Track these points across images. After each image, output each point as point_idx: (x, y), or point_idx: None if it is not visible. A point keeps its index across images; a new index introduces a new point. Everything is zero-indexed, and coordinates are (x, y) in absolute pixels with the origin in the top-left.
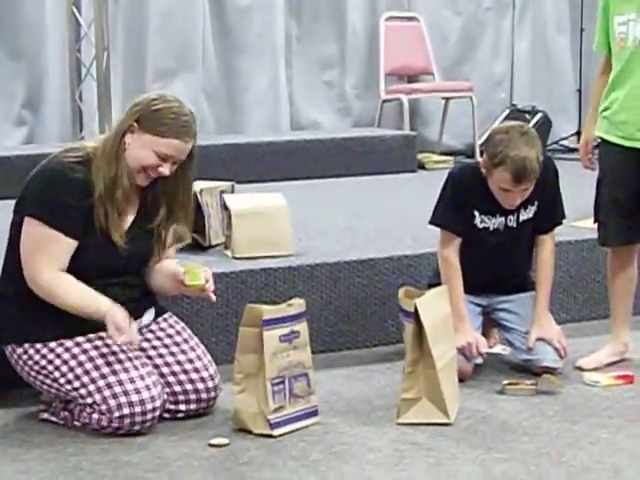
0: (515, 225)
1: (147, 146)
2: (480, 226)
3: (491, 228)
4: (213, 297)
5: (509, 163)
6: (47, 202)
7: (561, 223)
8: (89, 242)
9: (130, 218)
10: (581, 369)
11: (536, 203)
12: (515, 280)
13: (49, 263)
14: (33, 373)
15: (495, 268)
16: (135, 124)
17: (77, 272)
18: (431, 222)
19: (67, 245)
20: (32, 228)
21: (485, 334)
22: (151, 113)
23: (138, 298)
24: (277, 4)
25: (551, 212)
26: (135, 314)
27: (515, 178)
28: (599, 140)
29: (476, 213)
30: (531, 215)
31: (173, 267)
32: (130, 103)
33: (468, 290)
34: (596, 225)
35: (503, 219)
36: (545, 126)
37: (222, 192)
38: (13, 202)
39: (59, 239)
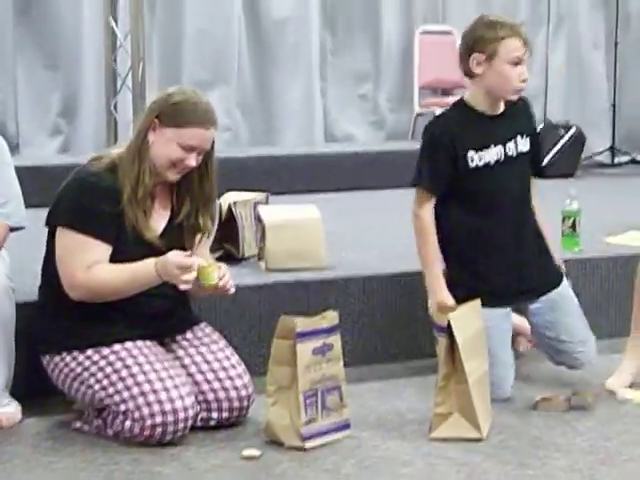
0: (515, 155)
1: (171, 140)
2: (480, 163)
3: (492, 162)
4: (232, 290)
5: (514, 29)
6: (78, 211)
7: (543, 172)
8: (123, 246)
9: (165, 216)
10: (612, 392)
11: (528, 139)
12: (535, 246)
13: (83, 266)
14: (69, 380)
15: (511, 222)
16: (156, 120)
17: None
18: (411, 183)
19: (102, 251)
20: (65, 237)
21: (514, 338)
22: (170, 107)
23: (174, 310)
24: (312, 17)
25: (538, 152)
26: (171, 327)
27: (524, 39)
28: None
29: (471, 152)
30: (527, 148)
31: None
32: (149, 101)
33: (497, 297)
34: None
35: (502, 148)
36: (579, 141)
37: (256, 204)
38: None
39: (93, 245)
